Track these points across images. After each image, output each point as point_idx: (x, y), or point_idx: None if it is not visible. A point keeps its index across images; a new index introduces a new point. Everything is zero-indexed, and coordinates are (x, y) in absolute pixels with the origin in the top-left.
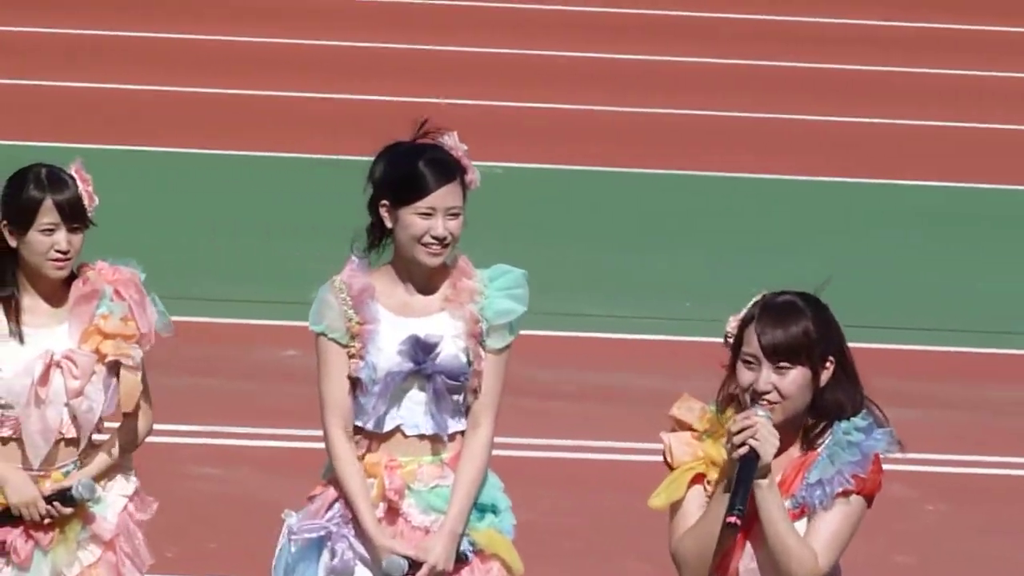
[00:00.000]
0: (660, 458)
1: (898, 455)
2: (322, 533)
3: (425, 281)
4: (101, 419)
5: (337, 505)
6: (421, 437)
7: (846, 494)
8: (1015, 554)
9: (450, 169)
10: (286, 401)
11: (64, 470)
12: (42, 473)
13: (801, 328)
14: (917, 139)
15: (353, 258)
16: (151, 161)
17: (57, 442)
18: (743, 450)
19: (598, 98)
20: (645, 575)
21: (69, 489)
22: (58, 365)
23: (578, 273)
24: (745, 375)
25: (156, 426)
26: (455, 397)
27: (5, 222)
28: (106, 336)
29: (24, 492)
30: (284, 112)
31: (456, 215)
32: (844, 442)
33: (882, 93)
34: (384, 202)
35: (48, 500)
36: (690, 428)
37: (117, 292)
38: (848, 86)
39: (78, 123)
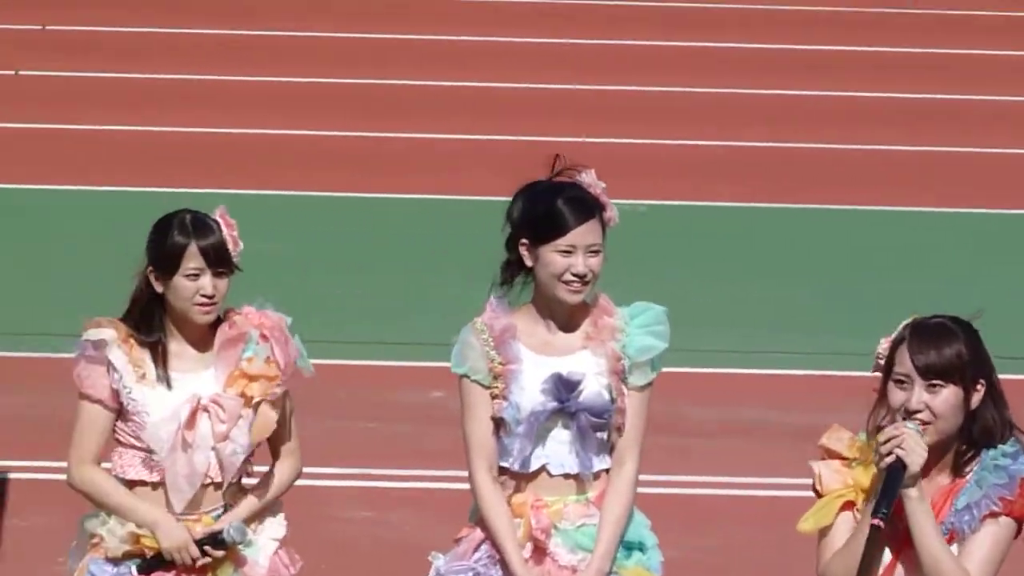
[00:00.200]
0: (804, 492)
1: None
2: (470, 574)
3: (566, 319)
4: (250, 462)
5: (484, 546)
6: (566, 476)
7: (994, 516)
8: None
9: (589, 207)
10: (434, 442)
11: (214, 514)
12: (194, 518)
13: (954, 349)
14: None
15: (493, 299)
16: (295, 205)
17: (204, 487)
18: (890, 459)
19: (754, 134)
20: None
21: (220, 533)
22: (205, 409)
23: (722, 309)
24: (897, 395)
25: (305, 469)
26: (599, 435)
27: (151, 268)
28: (251, 379)
29: (176, 536)
30: (419, 152)
31: (596, 252)
32: (991, 466)
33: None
34: (524, 240)
35: (199, 544)
36: (840, 457)
37: (263, 336)
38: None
39: (220, 168)
